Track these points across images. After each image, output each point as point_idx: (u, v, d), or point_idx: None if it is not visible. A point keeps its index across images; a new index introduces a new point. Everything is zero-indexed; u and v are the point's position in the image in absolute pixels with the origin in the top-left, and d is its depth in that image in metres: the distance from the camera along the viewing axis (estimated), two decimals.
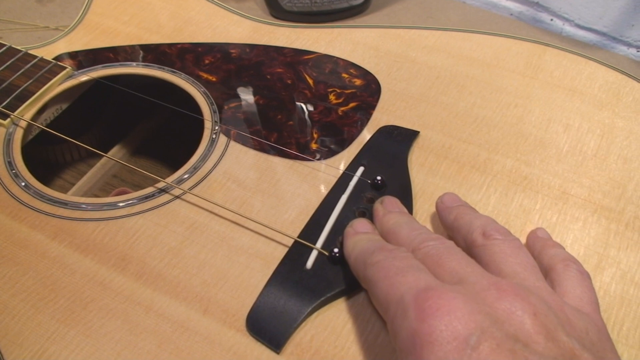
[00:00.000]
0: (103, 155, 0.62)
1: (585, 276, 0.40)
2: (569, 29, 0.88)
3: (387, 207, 0.46)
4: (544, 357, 0.32)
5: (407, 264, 0.38)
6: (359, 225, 0.45)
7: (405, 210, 0.47)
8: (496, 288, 0.35)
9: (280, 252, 0.46)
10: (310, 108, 0.57)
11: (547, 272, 0.40)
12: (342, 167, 0.52)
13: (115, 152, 0.67)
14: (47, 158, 0.66)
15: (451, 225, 0.44)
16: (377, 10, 0.89)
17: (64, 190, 0.53)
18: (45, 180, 0.52)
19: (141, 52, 0.64)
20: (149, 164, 0.68)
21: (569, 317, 0.35)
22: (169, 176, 0.52)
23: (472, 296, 0.34)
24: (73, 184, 0.65)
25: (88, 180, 0.63)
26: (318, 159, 0.53)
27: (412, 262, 0.38)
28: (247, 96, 0.58)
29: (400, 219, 0.45)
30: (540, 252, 0.42)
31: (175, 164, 0.66)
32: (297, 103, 0.57)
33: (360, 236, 0.44)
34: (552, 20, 0.89)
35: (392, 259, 0.39)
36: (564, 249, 0.43)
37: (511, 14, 0.91)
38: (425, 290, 0.35)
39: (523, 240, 0.46)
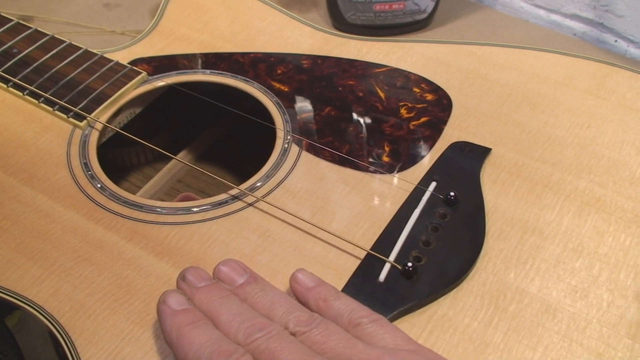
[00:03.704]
0: (170, 159, 0.63)
1: (380, 321, 0.39)
2: (633, 50, 0.87)
3: (192, 282, 0.42)
4: None
5: None
6: (173, 300, 0.40)
7: (211, 278, 0.43)
8: None
9: (353, 264, 0.46)
10: (382, 121, 0.57)
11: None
12: (414, 182, 0.52)
13: (182, 157, 0.68)
14: (115, 161, 0.67)
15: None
16: (440, 25, 0.89)
17: (131, 193, 0.54)
18: (112, 182, 0.53)
19: (215, 60, 0.65)
20: (214, 170, 0.69)
21: None
22: (234, 183, 0.52)
23: None
24: (139, 187, 0.66)
25: (155, 183, 0.64)
26: (390, 173, 0.53)
27: None
28: (319, 107, 0.59)
29: (213, 297, 0.40)
30: (320, 313, 0.40)
31: (238, 172, 0.67)
32: (369, 116, 0.58)
33: (182, 319, 0.39)
34: (616, 41, 0.88)
35: None
36: (335, 292, 0.42)
37: (574, 34, 0.91)
38: None
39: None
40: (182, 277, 0.42)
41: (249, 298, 0.41)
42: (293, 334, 0.38)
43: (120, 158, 0.68)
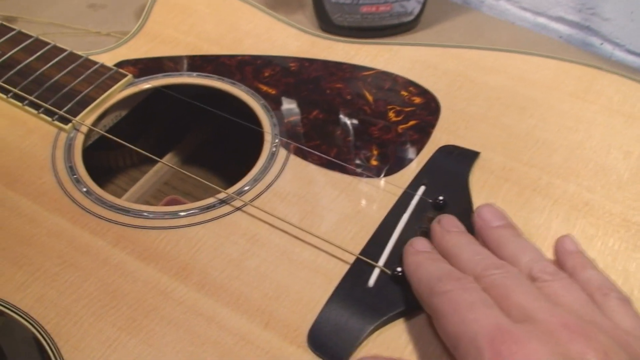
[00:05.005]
0: (157, 162, 0.62)
1: (627, 302, 0.40)
2: (618, 53, 0.87)
3: (446, 226, 0.46)
4: None
5: (477, 298, 0.38)
6: (419, 244, 0.45)
7: (464, 228, 0.46)
8: (566, 328, 0.35)
9: (341, 269, 0.46)
10: (370, 124, 0.57)
11: None
12: (403, 186, 0.51)
13: (168, 160, 0.68)
14: (101, 164, 0.67)
15: (494, 253, 0.44)
16: (426, 27, 0.88)
17: (117, 196, 0.53)
18: (98, 185, 0.53)
19: (201, 62, 0.64)
20: (200, 173, 0.69)
21: (636, 350, 0.35)
22: (221, 186, 0.52)
23: (545, 338, 0.34)
24: (125, 190, 0.65)
25: (141, 186, 0.64)
26: (378, 176, 0.52)
27: (482, 295, 0.38)
28: (306, 110, 0.59)
29: (460, 240, 0.44)
30: (572, 274, 0.42)
31: (225, 175, 0.67)
32: (357, 119, 0.57)
33: (422, 256, 0.43)
34: (601, 44, 0.88)
35: (461, 290, 0.38)
36: (593, 265, 0.43)
37: (560, 37, 0.91)
38: (499, 330, 0.35)
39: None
40: (437, 220, 0.46)
41: (501, 239, 0.44)
42: (533, 280, 0.40)
43: (106, 161, 0.67)
